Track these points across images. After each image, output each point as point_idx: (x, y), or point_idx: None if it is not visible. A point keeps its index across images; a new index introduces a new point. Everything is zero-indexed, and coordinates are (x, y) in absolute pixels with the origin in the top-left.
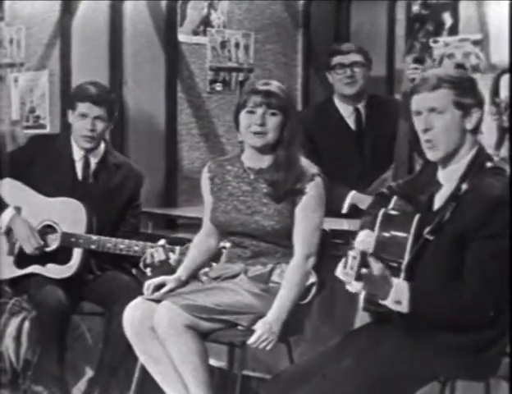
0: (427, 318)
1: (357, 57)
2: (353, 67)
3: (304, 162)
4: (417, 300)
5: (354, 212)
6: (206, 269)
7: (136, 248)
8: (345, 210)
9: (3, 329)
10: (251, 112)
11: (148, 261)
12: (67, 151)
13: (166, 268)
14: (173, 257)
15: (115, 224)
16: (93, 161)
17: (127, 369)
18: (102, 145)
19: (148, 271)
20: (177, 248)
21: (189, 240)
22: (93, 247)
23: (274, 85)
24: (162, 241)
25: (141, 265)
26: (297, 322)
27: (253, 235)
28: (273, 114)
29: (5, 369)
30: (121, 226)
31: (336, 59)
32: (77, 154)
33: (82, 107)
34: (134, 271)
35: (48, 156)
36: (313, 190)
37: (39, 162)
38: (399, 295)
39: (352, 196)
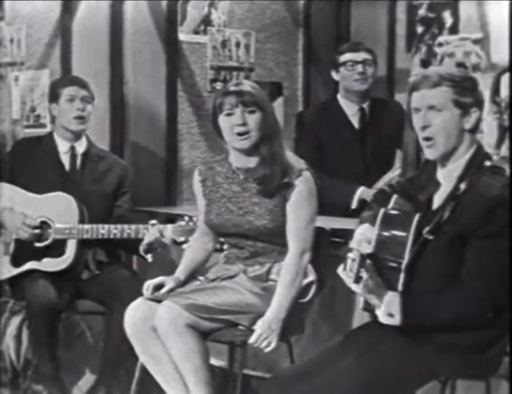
0: (420, 328)
1: (368, 56)
2: (365, 64)
3: (291, 156)
4: (409, 312)
5: (355, 211)
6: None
7: (129, 231)
8: (354, 205)
9: (4, 328)
10: (229, 115)
11: (146, 243)
12: (52, 146)
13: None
14: (166, 234)
15: (106, 212)
16: (79, 152)
17: (128, 369)
18: (84, 138)
19: (148, 257)
20: (169, 226)
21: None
22: (87, 236)
23: (245, 84)
24: (152, 221)
25: (141, 250)
26: (297, 321)
27: (248, 236)
28: (251, 112)
29: (5, 368)
30: (113, 212)
31: (347, 56)
32: (63, 147)
33: (68, 90)
34: (134, 266)
35: (34, 156)
36: (302, 185)
37: (27, 164)
38: (391, 308)
39: (362, 191)
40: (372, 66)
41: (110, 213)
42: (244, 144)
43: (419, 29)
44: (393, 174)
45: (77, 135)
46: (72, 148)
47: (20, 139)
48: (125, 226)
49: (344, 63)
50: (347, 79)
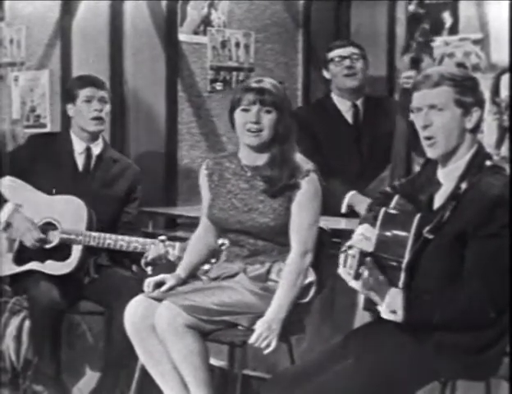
0: (423, 325)
1: (355, 50)
2: (352, 59)
3: (299, 157)
4: (412, 309)
5: (353, 212)
6: (206, 267)
7: (136, 244)
8: (343, 210)
9: (4, 328)
10: (246, 110)
11: (149, 258)
12: (67, 146)
13: (166, 264)
14: (172, 252)
15: (115, 215)
16: (95, 153)
17: (128, 369)
18: (101, 139)
19: (148, 269)
20: (177, 244)
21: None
22: (93, 244)
23: (267, 82)
24: (162, 237)
25: (142, 263)
26: (297, 322)
27: (250, 233)
28: (268, 111)
29: (5, 369)
30: (121, 217)
31: (335, 52)
32: (79, 147)
33: (85, 92)
34: (134, 268)
35: (48, 153)
36: (307, 186)
37: (40, 160)
38: (393, 305)
39: (350, 196)
40: (361, 61)
41: (118, 216)
42: (253, 141)
43: (410, 26)
44: (385, 173)
45: (94, 136)
46: (88, 149)
47: (34, 134)
48: (133, 239)
49: (332, 59)
50: (337, 75)
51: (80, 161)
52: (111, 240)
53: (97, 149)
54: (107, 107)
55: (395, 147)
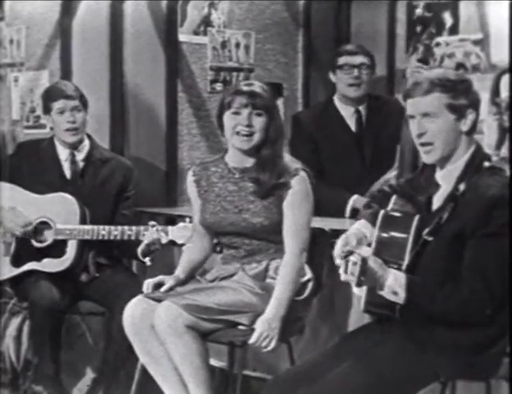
0: (423, 311)
1: (365, 60)
2: (360, 69)
3: (287, 157)
4: (414, 291)
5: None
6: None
7: (130, 232)
8: (347, 214)
9: (4, 329)
10: (236, 113)
11: (145, 244)
12: (53, 153)
13: (162, 250)
14: (164, 236)
15: (109, 218)
16: (80, 158)
17: (128, 370)
18: (87, 141)
19: (147, 260)
20: (169, 228)
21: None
22: (87, 237)
23: (257, 86)
24: (152, 222)
25: (139, 254)
26: (297, 322)
27: (244, 234)
28: (259, 114)
29: (5, 369)
30: (116, 218)
31: (344, 59)
32: (63, 154)
33: (57, 104)
34: (134, 269)
35: (35, 160)
36: (298, 185)
37: (29, 168)
38: (396, 286)
39: (354, 200)
40: (369, 71)
41: (113, 217)
42: (244, 145)
43: (417, 29)
44: (390, 175)
45: (74, 144)
46: (72, 155)
47: (22, 142)
48: (126, 228)
49: (341, 66)
50: (342, 82)
51: (66, 167)
52: (104, 231)
53: (81, 154)
54: (80, 116)
55: (401, 149)
